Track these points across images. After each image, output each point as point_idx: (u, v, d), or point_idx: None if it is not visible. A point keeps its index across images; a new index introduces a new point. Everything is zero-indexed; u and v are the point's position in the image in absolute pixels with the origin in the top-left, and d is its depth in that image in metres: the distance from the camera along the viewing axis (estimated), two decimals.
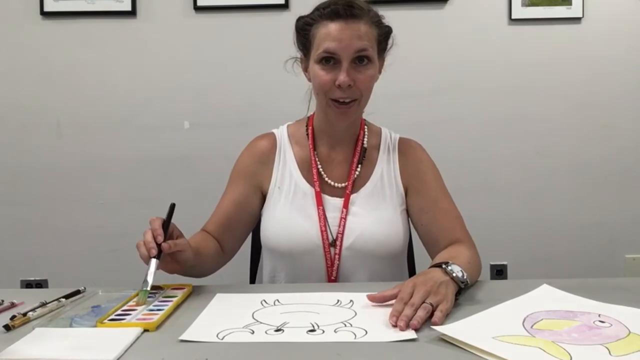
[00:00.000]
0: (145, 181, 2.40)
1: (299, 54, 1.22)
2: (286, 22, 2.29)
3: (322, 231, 1.18)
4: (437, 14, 2.36)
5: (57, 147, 2.41)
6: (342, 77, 1.10)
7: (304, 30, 1.16)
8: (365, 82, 1.13)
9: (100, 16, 2.36)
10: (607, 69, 2.36)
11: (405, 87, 2.35)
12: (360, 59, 1.11)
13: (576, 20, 2.34)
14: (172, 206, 1.05)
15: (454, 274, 0.95)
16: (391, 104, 2.29)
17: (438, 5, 2.35)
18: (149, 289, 0.96)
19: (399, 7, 2.35)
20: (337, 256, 1.18)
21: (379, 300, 0.93)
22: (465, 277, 0.96)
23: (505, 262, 2.42)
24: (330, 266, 1.18)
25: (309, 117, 1.29)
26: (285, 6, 2.31)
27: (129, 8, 2.34)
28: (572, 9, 2.32)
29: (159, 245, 0.98)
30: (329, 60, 1.11)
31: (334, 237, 1.19)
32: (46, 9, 2.35)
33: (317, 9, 1.15)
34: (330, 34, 1.10)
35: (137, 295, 0.96)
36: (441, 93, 2.37)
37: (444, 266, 0.96)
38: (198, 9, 2.35)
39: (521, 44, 2.35)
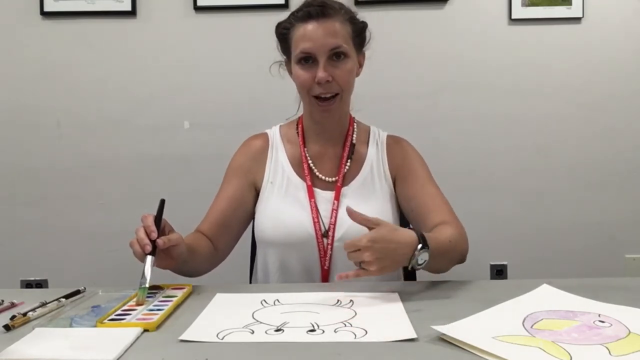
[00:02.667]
0: (145, 181, 2.40)
1: (283, 59, 1.27)
2: None
3: (314, 222, 1.22)
4: (437, 14, 2.36)
5: (57, 147, 2.41)
6: (320, 74, 1.15)
7: (283, 35, 1.22)
8: (343, 77, 1.18)
9: (100, 16, 2.36)
10: (607, 68, 2.35)
11: (405, 87, 2.35)
12: (336, 55, 1.16)
13: (576, 20, 2.34)
14: (162, 202, 1.06)
15: (416, 260, 0.99)
16: (391, 103, 2.30)
17: (438, 5, 2.35)
18: (147, 286, 0.96)
19: (399, 7, 2.35)
20: (329, 246, 1.22)
21: (356, 218, 1.01)
22: (422, 265, 1.00)
23: (505, 262, 2.42)
24: (323, 256, 1.22)
25: (299, 117, 1.33)
26: (285, 6, 2.31)
27: (129, 8, 2.34)
28: (572, 9, 2.32)
29: (153, 242, 0.98)
30: (307, 59, 1.17)
31: (326, 228, 1.22)
32: (46, 9, 2.35)
33: (292, 13, 1.20)
34: (305, 35, 1.16)
35: (137, 294, 0.96)
36: (441, 93, 2.37)
37: (418, 250, 0.98)
38: (198, 9, 2.35)
39: (521, 44, 2.35)
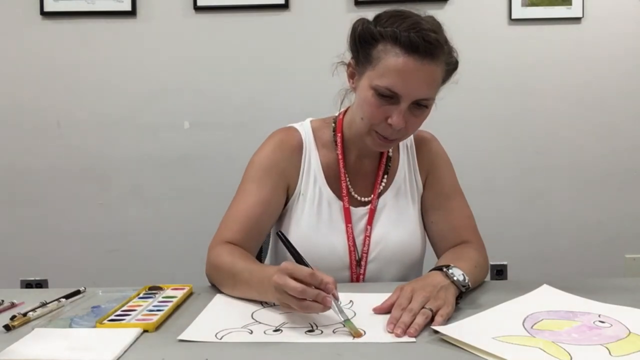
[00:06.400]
0: (145, 181, 2.39)
1: (350, 57, 1.08)
2: (286, 22, 2.33)
3: (350, 251, 1.12)
4: (437, 14, 2.33)
5: (57, 147, 2.41)
6: (396, 119, 1.00)
7: (367, 42, 1.02)
8: (415, 125, 1.07)
9: (100, 16, 2.36)
10: (607, 68, 2.35)
11: None
12: (420, 104, 1.03)
13: (576, 20, 2.34)
14: (284, 236, 0.95)
15: (455, 278, 0.93)
16: None
17: (438, 5, 2.35)
18: (349, 318, 0.84)
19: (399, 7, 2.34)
20: (362, 276, 1.13)
21: (383, 311, 0.89)
22: (466, 280, 0.93)
23: (505, 262, 2.42)
24: (356, 281, 1.14)
25: (336, 119, 1.18)
26: (285, 6, 2.31)
27: (129, 8, 2.34)
28: (572, 9, 2.32)
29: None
30: (388, 96, 1.00)
31: (360, 256, 1.14)
32: (46, 9, 2.35)
33: (390, 22, 1.01)
34: (400, 71, 0.98)
35: (348, 327, 0.83)
36: (441, 93, 2.35)
37: (444, 269, 0.94)
38: (198, 9, 2.35)
39: (521, 44, 2.35)
